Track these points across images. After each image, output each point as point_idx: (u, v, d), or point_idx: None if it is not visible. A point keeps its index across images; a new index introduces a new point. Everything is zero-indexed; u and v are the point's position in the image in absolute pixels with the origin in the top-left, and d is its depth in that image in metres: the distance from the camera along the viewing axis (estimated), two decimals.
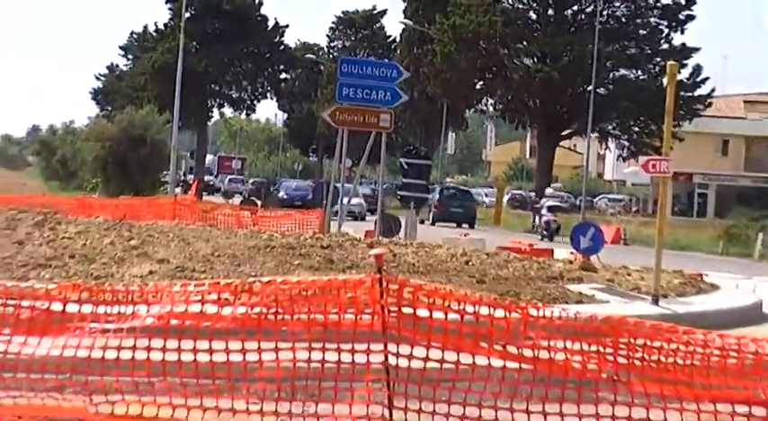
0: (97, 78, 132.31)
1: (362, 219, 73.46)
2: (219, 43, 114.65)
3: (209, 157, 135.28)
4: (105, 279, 20.84)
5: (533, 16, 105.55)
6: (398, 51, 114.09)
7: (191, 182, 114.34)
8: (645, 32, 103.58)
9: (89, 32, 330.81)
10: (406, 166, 59.62)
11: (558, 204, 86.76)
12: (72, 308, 10.99)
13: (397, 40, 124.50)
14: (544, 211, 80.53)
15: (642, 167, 46.22)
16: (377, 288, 9.82)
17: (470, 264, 31.11)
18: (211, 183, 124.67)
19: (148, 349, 10.46)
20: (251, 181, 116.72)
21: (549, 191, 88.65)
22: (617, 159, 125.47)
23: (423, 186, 61.70)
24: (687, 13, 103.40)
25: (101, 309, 10.80)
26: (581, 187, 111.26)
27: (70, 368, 10.84)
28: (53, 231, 30.02)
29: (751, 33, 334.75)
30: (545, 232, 76.79)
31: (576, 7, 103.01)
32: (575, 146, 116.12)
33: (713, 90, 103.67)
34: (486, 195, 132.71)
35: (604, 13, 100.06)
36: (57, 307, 11.11)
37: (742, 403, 9.44)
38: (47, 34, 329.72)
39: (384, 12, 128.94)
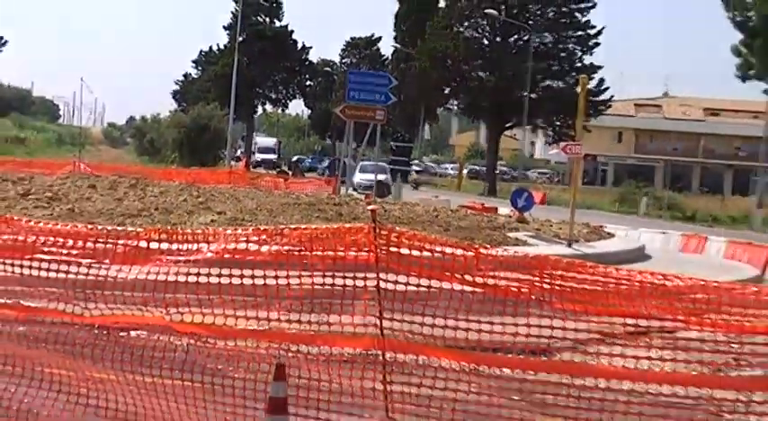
0: (176, 83, 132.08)
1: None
2: (263, 59, 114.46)
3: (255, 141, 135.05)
4: (179, 225, 20.77)
5: (486, 42, 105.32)
6: (390, 66, 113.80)
7: (242, 157, 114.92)
8: (564, 54, 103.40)
9: (172, 49, 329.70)
10: (394, 148, 59.96)
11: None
12: (154, 245, 10.94)
13: (389, 58, 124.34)
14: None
15: (562, 150, 45.89)
16: (372, 233, 9.78)
17: (439, 217, 31.27)
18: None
19: (208, 275, 10.40)
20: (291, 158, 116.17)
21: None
22: (544, 144, 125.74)
23: (406, 162, 62.02)
24: (594, 41, 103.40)
25: (174, 246, 10.75)
26: (518, 164, 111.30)
27: (152, 288, 10.78)
28: (143, 191, 30.04)
29: (641, 55, 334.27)
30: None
31: (516, 36, 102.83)
32: (515, 134, 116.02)
33: (612, 96, 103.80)
34: (452, 169, 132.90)
35: (536, 40, 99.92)
36: (143, 244, 11.05)
37: (630, 317, 9.37)
38: (143, 51, 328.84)
39: (380, 38, 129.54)
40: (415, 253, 9.91)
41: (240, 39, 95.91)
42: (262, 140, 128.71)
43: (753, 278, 27.78)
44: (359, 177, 52.70)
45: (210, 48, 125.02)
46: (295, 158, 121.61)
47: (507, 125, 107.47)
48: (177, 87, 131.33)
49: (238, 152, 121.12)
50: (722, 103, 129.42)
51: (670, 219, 71.04)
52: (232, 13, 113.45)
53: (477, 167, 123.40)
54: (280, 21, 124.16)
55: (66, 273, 10.99)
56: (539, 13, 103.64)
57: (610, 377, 9.33)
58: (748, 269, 32.98)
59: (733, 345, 9.01)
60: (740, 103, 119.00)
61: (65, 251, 11.13)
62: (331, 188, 49.53)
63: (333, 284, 10.11)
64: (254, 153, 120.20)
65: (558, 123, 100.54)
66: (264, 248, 10.50)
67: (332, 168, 69.33)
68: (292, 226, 11.87)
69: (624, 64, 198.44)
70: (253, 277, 10.27)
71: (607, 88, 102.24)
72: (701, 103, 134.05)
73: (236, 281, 10.32)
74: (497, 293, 9.73)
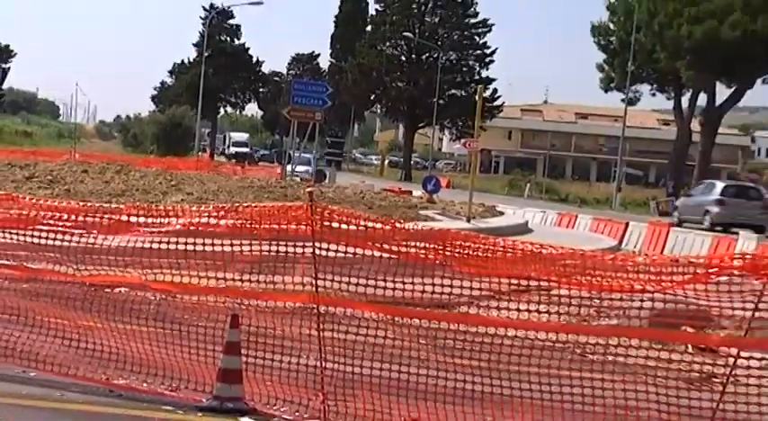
0: (154, 89, 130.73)
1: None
2: (224, 71, 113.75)
3: (219, 136, 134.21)
4: (155, 203, 20.62)
5: (404, 58, 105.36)
6: (327, 77, 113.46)
7: (208, 149, 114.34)
8: (466, 69, 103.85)
9: (151, 61, 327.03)
10: (330, 143, 59.95)
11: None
12: (133, 219, 10.89)
13: (327, 70, 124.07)
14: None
15: (463, 145, 45.88)
16: (309, 210, 9.73)
17: (364, 198, 31.25)
18: (220, 149, 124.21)
19: (177, 243, 10.37)
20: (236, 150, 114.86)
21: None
22: (449, 140, 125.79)
23: (339, 153, 62.28)
24: (489, 58, 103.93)
25: (150, 220, 10.70)
26: (429, 155, 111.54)
27: (131, 253, 10.72)
28: (126, 176, 29.81)
29: (527, 69, 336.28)
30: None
31: (428, 54, 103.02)
32: (426, 132, 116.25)
33: (503, 102, 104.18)
34: (375, 160, 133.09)
35: (444, 57, 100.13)
36: (125, 218, 10.99)
37: (515, 278, 9.39)
38: (128, 61, 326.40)
39: (319, 54, 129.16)
40: (344, 226, 9.88)
41: (206, 54, 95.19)
42: (236, 135, 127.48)
43: (612, 247, 28.06)
44: (300, 168, 53.33)
45: (182, 61, 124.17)
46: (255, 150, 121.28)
47: (420, 125, 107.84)
48: (155, 92, 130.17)
49: (221, 147, 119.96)
50: (590, 109, 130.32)
51: (548, 201, 71.46)
52: (200, 33, 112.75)
53: (396, 158, 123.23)
54: (238, 40, 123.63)
55: (62, 241, 11.01)
56: (446, 35, 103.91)
57: (498, 326, 9.33)
58: (608, 240, 33.35)
59: (595, 301, 9.06)
60: (604, 109, 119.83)
61: (61, 223, 11.10)
62: (278, 173, 49.54)
63: (277, 251, 10.09)
64: (228, 147, 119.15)
65: (460, 124, 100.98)
66: (223, 222, 10.48)
67: (279, 158, 69.16)
68: (246, 204, 11.80)
69: (513, 76, 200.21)
70: (213, 245, 10.26)
71: (499, 96, 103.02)
72: (573, 108, 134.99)
73: (199, 248, 10.34)
74: (409, 259, 9.71)
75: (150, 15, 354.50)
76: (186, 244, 10.41)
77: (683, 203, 54.12)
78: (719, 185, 52.51)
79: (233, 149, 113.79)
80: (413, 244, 9.92)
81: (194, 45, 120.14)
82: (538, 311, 9.09)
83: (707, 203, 48.56)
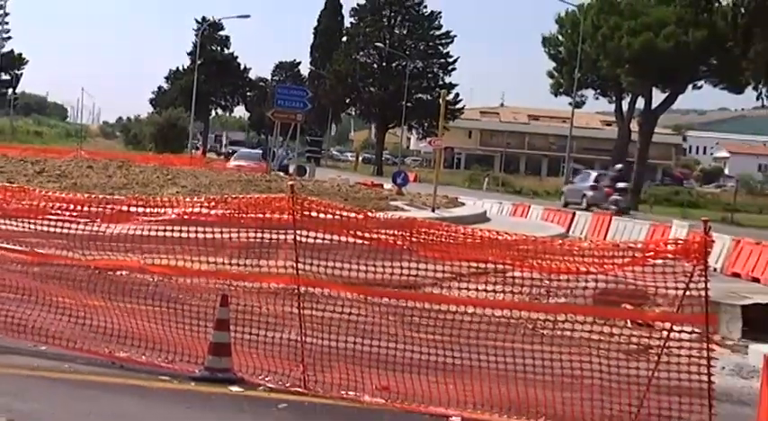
0: (152, 93, 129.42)
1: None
2: (215, 77, 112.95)
3: (211, 136, 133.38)
4: (153, 195, 20.51)
5: (375, 66, 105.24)
6: (307, 82, 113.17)
7: (200, 147, 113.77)
8: (431, 76, 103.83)
9: (149, 68, 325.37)
10: (309, 141, 59.97)
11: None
12: (133, 209, 10.84)
13: (307, 76, 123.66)
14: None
15: (429, 143, 45.71)
16: (291, 201, 9.71)
17: (340, 190, 31.18)
18: (212, 147, 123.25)
19: (172, 231, 10.35)
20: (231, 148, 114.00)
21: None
22: (416, 139, 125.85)
23: (318, 151, 62.36)
24: (451, 67, 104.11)
25: (148, 210, 10.66)
26: (398, 152, 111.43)
27: (131, 240, 10.69)
28: (127, 170, 29.62)
29: (484, 75, 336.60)
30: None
31: (397, 62, 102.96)
32: (395, 132, 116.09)
33: (464, 105, 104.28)
34: (350, 156, 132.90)
35: (411, 65, 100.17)
36: (125, 208, 10.94)
37: (474, 261, 9.41)
38: (129, 67, 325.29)
39: (300, 62, 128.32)
40: (322, 216, 9.87)
41: (199, 62, 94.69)
42: (233, 135, 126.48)
43: (560, 234, 28.11)
44: (232, 163, 52.34)
45: (177, 68, 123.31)
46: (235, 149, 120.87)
47: (390, 125, 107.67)
48: (153, 96, 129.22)
49: (217, 145, 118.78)
50: (541, 112, 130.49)
51: (504, 193, 71.43)
52: (193, 43, 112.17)
53: (369, 155, 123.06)
54: (228, 49, 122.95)
55: (69, 228, 10.94)
56: (413, 46, 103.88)
57: (459, 304, 9.37)
58: (557, 228, 33.37)
59: (545, 281, 9.09)
60: (553, 111, 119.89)
61: (68, 213, 11.03)
62: (263, 169, 49.42)
63: (262, 238, 10.07)
64: (225, 145, 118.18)
65: (426, 124, 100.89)
66: (213, 212, 10.43)
67: (264, 155, 69.10)
68: (234, 196, 11.78)
69: (473, 81, 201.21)
70: (204, 232, 10.23)
71: (461, 100, 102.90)
72: (526, 111, 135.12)
73: (192, 235, 10.30)
74: (381, 245, 9.70)
75: (148, 27, 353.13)
76: (180, 231, 10.38)
77: (567, 189, 60.40)
78: (593, 174, 59.52)
79: (230, 148, 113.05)
80: (383, 231, 9.91)
81: (188, 54, 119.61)
82: (494, 291, 9.12)
83: (584, 189, 55.41)
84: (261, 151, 63.92)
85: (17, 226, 11.17)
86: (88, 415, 8.18)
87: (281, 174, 45.84)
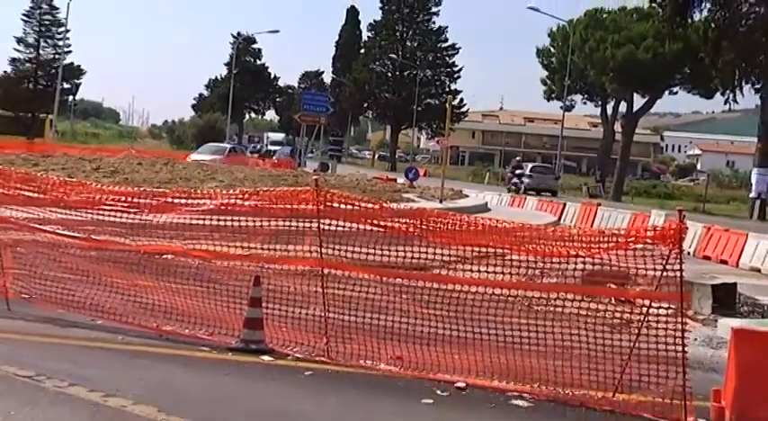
0: (194, 99, 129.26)
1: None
2: (249, 85, 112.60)
3: (245, 137, 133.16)
4: (194, 188, 20.51)
5: (390, 75, 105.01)
6: (329, 89, 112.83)
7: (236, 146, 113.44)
8: (439, 83, 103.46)
9: (192, 76, 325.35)
10: (331, 141, 60.09)
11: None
12: (177, 201, 10.86)
13: (329, 84, 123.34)
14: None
15: (437, 142, 45.51)
16: (315, 193, 9.70)
17: (359, 184, 31.16)
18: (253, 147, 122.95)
19: (211, 220, 10.39)
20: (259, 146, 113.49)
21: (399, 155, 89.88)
22: (426, 139, 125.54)
23: (339, 150, 62.70)
24: (457, 75, 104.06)
25: (190, 201, 10.67)
26: (410, 151, 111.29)
27: (175, 228, 10.71)
28: (172, 167, 29.64)
29: (483, 81, 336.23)
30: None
31: (408, 72, 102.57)
32: (407, 133, 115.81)
33: (468, 109, 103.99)
34: (368, 154, 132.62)
35: (421, 74, 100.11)
36: (170, 200, 10.96)
37: (477, 246, 9.40)
38: (174, 76, 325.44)
39: (323, 72, 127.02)
40: (343, 206, 9.87)
41: (235, 71, 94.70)
42: (273, 135, 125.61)
43: (552, 222, 28.05)
44: (196, 156, 47.26)
45: (216, 77, 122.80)
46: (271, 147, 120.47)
47: (403, 127, 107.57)
48: (195, 101, 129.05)
49: (255, 145, 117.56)
50: (535, 114, 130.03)
51: (503, 186, 71.36)
52: (229, 55, 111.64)
53: (384, 153, 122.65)
54: (260, 60, 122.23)
55: (121, 218, 10.95)
56: (423, 57, 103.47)
57: (464, 283, 9.36)
58: (550, 216, 33.37)
59: (539, 264, 9.07)
60: (547, 114, 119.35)
61: (120, 204, 11.04)
62: (292, 165, 49.40)
63: (290, 226, 10.07)
64: (267, 145, 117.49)
65: (434, 126, 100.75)
66: (247, 203, 10.43)
67: (293, 154, 69.12)
68: (265, 189, 11.77)
69: (476, 88, 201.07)
70: (239, 221, 10.23)
71: (465, 104, 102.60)
72: (522, 114, 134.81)
73: (228, 223, 10.30)
74: (394, 232, 9.70)
75: (191, 41, 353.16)
76: (218, 220, 10.40)
77: (509, 178, 66.65)
78: (530, 166, 66.96)
79: (271, 147, 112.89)
80: (397, 220, 9.91)
81: (225, 64, 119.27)
82: (495, 272, 9.11)
83: (524, 176, 62.81)
84: (245, 147, 62.80)
85: (77, 215, 11.21)
86: (139, 380, 8.20)
87: (307, 169, 45.79)
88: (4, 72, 77.58)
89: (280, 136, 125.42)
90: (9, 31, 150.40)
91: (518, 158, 75.11)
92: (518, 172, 64.97)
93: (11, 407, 7.10)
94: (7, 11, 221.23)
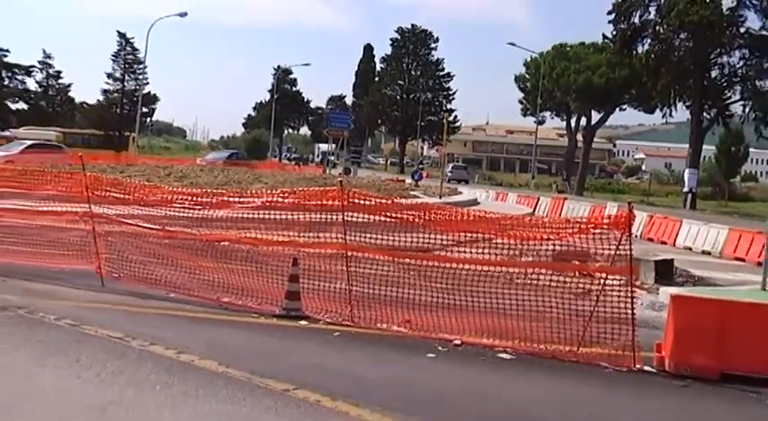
0: (244, 119, 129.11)
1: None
2: (287, 107, 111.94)
3: (285, 148, 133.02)
4: (245, 189, 20.52)
5: (398, 97, 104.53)
6: (350, 109, 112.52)
7: (276, 156, 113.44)
8: (438, 103, 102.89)
9: (242, 101, 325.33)
10: (352, 150, 60.36)
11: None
12: (231, 199, 10.87)
13: (351, 105, 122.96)
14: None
15: (436, 150, 45.15)
16: (340, 192, 9.69)
17: (375, 184, 30.98)
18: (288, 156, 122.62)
19: (258, 214, 10.36)
20: (301, 155, 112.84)
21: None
22: (428, 148, 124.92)
23: (358, 157, 62.89)
24: (452, 97, 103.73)
25: (241, 199, 10.69)
26: (415, 158, 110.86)
27: (231, 220, 10.72)
28: (227, 172, 29.62)
29: (480, 102, 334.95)
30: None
31: (413, 95, 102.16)
32: (413, 143, 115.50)
33: (461, 123, 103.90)
34: (382, 161, 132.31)
35: (423, 96, 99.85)
36: (226, 198, 10.97)
37: (469, 232, 9.37)
38: (229, 100, 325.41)
39: (345, 95, 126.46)
40: (362, 202, 9.86)
41: (276, 96, 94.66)
42: (323, 146, 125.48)
43: (528, 213, 27.98)
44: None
45: (261, 101, 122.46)
46: (304, 156, 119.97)
47: (409, 138, 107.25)
48: (245, 120, 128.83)
49: (291, 154, 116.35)
50: (515, 127, 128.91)
51: (490, 185, 71.06)
52: (271, 83, 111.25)
53: (394, 160, 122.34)
54: (295, 87, 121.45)
55: (188, 213, 10.97)
56: (424, 83, 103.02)
57: (459, 262, 9.33)
58: (527, 208, 33.31)
59: (519, 246, 9.04)
60: (523, 127, 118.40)
61: (187, 202, 11.07)
62: (321, 171, 49.40)
63: (320, 218, 10.06)
64: (318, 155, 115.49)
65: (434, 137, 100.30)
66: (286, 200, 10.43)
67: (323, 161, 69.18)
68: (301, 189, 11.77)
69: (467, 106, 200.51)
70: (280, 214, 10.24)
71: (458, 120, 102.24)
72: (504, 127, 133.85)
73: (272, 216, 10.29)
74: (403, 222, 9.69)
75: (242, 72, 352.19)
76: (264, 214, 10.37)
77: (446, 173, 68.06)
78: (451, 165, 71.02)
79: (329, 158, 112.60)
80: (405, 212, 9.90)
81: (268, 91, 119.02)
82: (483, 253, 9.08)
83: (448, 171, 64.43)
84: (241, 154, 61.50)
85: (154, 211, 11.25)
86: (203, 340, 8.22)
87: (334, 173, 45.80)
88: (98, 100, 78.49)
89: (324, 146, 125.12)
90: (101, 69, 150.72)
91: (420, 161, 78.74)
92: (449, 166, 69.47)
93: (105, 360, 7.14)
94: (102, 52, 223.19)
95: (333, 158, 58.51)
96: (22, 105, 77.60)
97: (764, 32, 48.53)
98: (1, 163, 25.52)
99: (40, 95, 79.79)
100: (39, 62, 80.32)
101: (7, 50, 75.20)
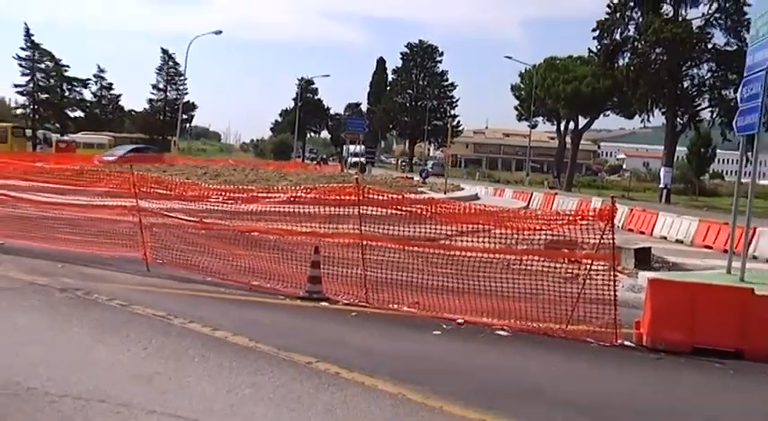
0: (272, 124, 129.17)
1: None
2: (309, 113, 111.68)
3: (307, 149, 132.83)
4: (272, 185, 20.51)
5: (407, 104, 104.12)
6: (365, 115, 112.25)
7: (300, 157, 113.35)
8: (442, 110, 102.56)
9: (269, 108, 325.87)
10: (367, 151, 60.37)
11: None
12: (260, 194, 10.87)
13: (366, 111, 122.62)
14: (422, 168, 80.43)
15: (441, 151, 45.06)
16: (357, 187, 9.66)
17: (387, 181, 30.95)
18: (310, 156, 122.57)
19: (284, 207, 10.35)
20: (320, 155, 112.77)
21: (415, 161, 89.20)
22: (434, 149, 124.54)
23: (372, 157, 62.97)
24: (455, 104, 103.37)
25: (269, 195, 10.67)
26: (423, 158, 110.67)
27: (260, 213, 10.71)
28: (256, 171, 29.65)
29: (476, 107, 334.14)
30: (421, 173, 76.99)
31: (420, 102, 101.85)
32: (421, 145, 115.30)
33: (463, 127, 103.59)
34: (393, 160, 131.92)
35: (429, 104, 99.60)
36: (255, 194, 10.96)
37: (470, 224, 9.35)
38: (257, 107, 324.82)
39: (361, 103, 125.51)
40: (376, 196, 9.84)
41: (299, 104, 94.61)
42: (353, 147, 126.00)
43: (523, 207, 27.88)
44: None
45: (286, 108, 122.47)
46: (324, 156, 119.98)
47: (417, 141, 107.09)
48: (272, 125, 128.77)
49: (315, 155, 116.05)
50: (511, 131, 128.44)
51: (489, 182, 70.81)
52: (295, 92, 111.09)
53: (404, 160, 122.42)
54: (316, 96, 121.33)
55: (222, 207, 10.97)
56: (431, 91, 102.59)
57: (462, 250, 9.30)
58: (521, 203, 33.17)
59: (515, 236, 9.01)
60: (518, 130, 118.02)
61: (221, 197, 11.07)
62: (339, 169, 49.37)
63: (339, 211, 10.05)
64: (349, 155, 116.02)
65: (440, 140, 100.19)
66: (309, 195, 10.41)
67: (341, 161, 69.08)
68: (321, 185, 11.73)
69: (469, 111, 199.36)
70: (303, 208, 10.22)
71: (461, 124, 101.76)
72: (502, 130, 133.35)
73: (296, 210, 10.27)
74: (412, 214, 9.67)
75: (270, 82, 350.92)
76: (289, 208, 10.35)
77: (428, 172, 67.31)
78: (430, 163, 74.34)
79: (352, 159, 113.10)
80: (414, 206, 9.88)
81: (293, 99, 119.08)
82: (484, 242, 9.05)
83: (428, 168, 64.96)
84: (150, 146, 52.78)
85: (192, 205, 11.26)
86: (236, 319, 8.23)
87: (350, 171, 45.81)
88: (144, 108, 79.52)
89: (359, 148, 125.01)
90: (147, 80, 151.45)
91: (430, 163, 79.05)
92: (423, 169, 68.01)
93: (151, 336, 7.18)
94: (147, 66, 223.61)
95: (362, 160, 58.66)
96: (79, 113, 78.29)
97: (728, 48, 48.59)
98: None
99: (94, 105, 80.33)
100: (94, 75, 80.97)
101: (67, 66, 75.74)
